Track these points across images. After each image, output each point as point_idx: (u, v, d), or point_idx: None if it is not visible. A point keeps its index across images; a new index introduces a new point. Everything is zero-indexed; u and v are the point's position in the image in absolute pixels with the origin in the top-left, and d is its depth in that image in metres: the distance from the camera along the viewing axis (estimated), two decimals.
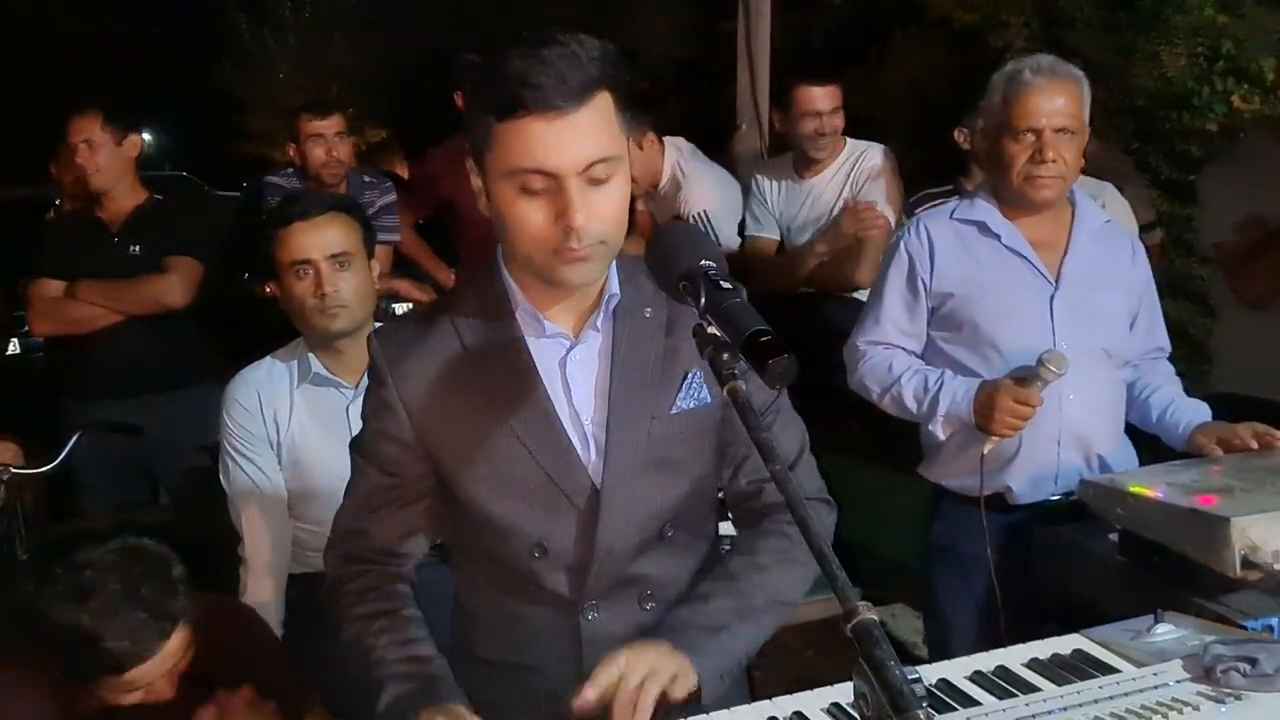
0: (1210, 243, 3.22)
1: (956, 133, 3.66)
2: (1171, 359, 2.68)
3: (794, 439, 1.70)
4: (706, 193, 4.12)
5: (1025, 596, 2.36)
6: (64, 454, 3.05)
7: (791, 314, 3.71)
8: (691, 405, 1.59)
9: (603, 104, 1.40)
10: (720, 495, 1.76)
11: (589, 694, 1.42)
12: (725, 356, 1.18)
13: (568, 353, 1.57)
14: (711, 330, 1.21)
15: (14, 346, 6.01)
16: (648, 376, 1.57)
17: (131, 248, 3.70)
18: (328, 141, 4.20)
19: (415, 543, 1.68)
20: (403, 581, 1.67)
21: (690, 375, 1.59)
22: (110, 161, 3.69)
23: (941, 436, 2.51)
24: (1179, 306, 5.66)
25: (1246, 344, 3.24)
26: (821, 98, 3.82)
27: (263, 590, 2.37)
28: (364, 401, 1.64)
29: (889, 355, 2.57)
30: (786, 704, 1.57)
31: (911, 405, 2.52)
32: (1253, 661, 1.39)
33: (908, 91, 9.10)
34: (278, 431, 2.44)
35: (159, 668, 1.87)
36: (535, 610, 1.61)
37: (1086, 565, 2.24)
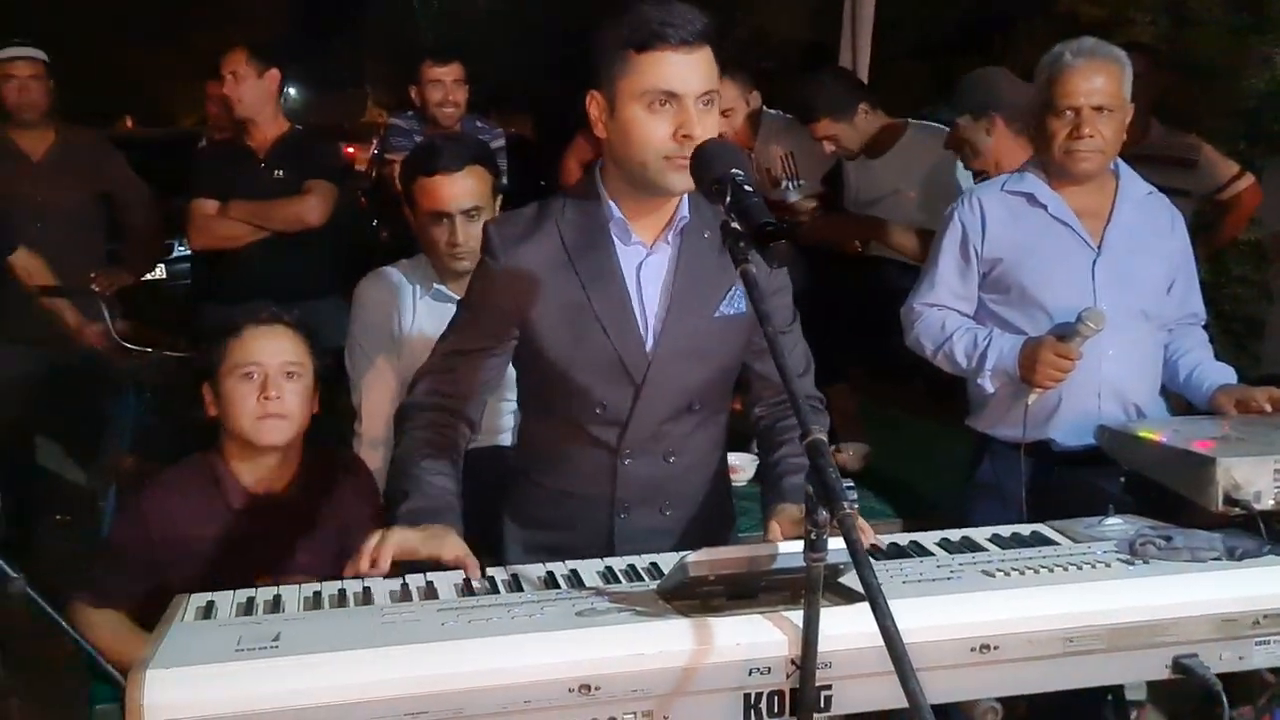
0: (1272, 229, 3.37)
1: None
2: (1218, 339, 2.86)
3: (801, 357, 2.13)
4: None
5: None
6: None
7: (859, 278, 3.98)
8: (730, 312, 1.98)
9: (710, 52, 1.82)
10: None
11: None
12: (741, 244, 1.48)
13: (644, 260, 1.96)
14: (734, 225, 1.51)
15: (160, 271, 6.56)
16: (701, 285, 1.97)
17: (276, 172, 4.15)
18: (446, 87, 4.57)
19: (484, 392, 2.10)
20: (464, 425, 2.06)
21: (734, 288, 1.96)
22: (252, 92, 4.13)
23: (990, 389, 2.71)
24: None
25: None
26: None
27: (372, 460, 2.70)
28: (475, 272, 2.06)
29: (942, 316, 2.80)
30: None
31: (962, 361, 2.74)
32: (1169, 538, 1.63)
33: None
34: (399, 329, 2.77)
35: None
36: (586, 452, 2.05)
37: (1098, 504, 2.45)
